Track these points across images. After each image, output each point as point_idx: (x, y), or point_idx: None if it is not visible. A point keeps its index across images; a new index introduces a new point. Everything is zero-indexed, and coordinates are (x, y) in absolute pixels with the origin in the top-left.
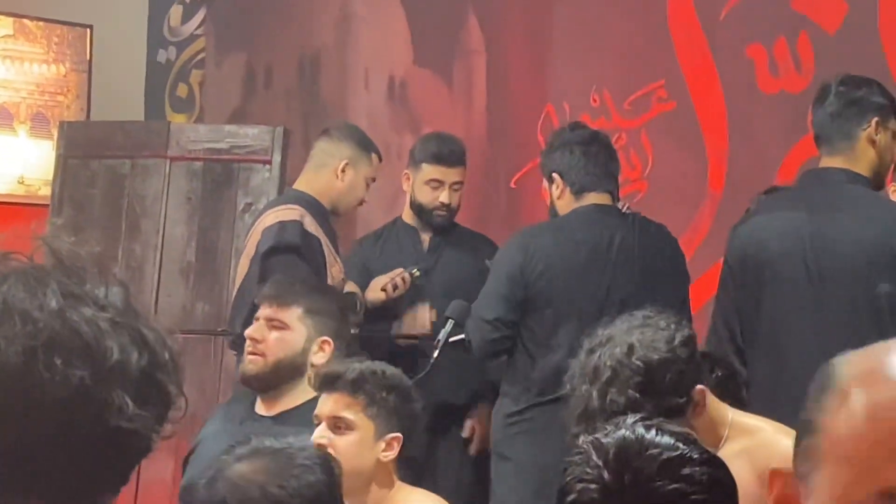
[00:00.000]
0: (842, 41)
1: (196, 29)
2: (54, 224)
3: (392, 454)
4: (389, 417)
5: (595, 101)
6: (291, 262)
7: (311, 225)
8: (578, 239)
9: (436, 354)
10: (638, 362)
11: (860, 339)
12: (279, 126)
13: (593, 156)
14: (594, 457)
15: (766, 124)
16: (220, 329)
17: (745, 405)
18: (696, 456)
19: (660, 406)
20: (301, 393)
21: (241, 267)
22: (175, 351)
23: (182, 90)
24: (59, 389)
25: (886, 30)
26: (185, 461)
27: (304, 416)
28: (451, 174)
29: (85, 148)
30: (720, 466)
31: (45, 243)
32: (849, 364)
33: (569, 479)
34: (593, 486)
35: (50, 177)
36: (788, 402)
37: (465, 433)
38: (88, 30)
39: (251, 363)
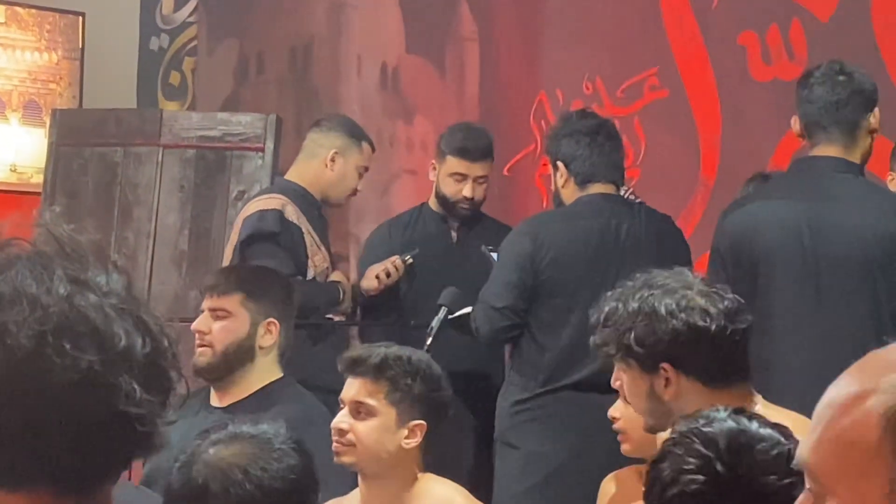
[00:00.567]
0: (834, 28)
1: (188, 16)
2: (52, 211)
3: (415, 442)
4: (413, 404)
5: (588, 88)
6: (269, 250)
7: (292, 214)
8: (587, 227)
9: (429, 342)
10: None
11: (857, 329)
12: (272, 114)
13: (599, 146)
14: (701, 448)
15: (758, 112)
16: None
17: None
18: None
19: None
20: (252, 381)
21: (227, 256)
22: (173, 338)
23: (174, 78)
24: (69, 374)
25: (879, 17)
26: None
27: (253, 406)
28: (475, 168)
29: (77, 136)
30: None
31: (46, 230)
32: None
33: (669, 469)
34: (701, 477)
35: (42, 164)
36: (784, 388)
37: None
38: (81, 17)
39: (201, 355)
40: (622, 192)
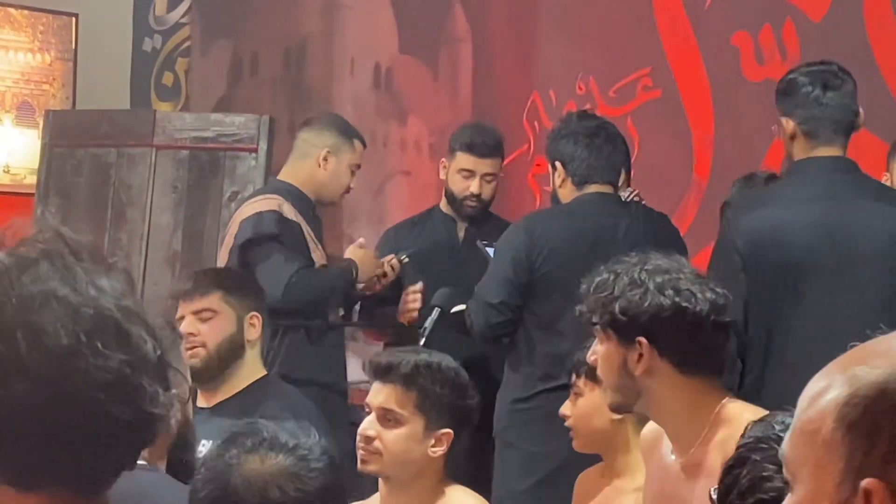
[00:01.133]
0: (827, 29)
1: (181, 17)
2: (50, 213)
3: (442, 450)
4: (441, 413)
5: (581, 88)
6: (269, 251)
7: (290, 212)
8: (584, 224)
9: (422, 343)
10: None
11: (889, 327)
12: (265, 114)
13: (597, 148)
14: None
15: (751, 112)
16: None
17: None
18: None
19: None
20: (240, 379)
21: (222, 258)
22: (170, 339)
23: (168, 79)
24: (103, 374)
25: (871, 17)
26: None
27: (242, 400)
28: (482, 165)
29: (70, 136)
30: None
31: (55, 231)
32: None
33: (748, 477)
34: (780, 484)
35: (35, 165)
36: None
37: None
38: (74, 18)
39: (193, 356)
40: (629, 194)
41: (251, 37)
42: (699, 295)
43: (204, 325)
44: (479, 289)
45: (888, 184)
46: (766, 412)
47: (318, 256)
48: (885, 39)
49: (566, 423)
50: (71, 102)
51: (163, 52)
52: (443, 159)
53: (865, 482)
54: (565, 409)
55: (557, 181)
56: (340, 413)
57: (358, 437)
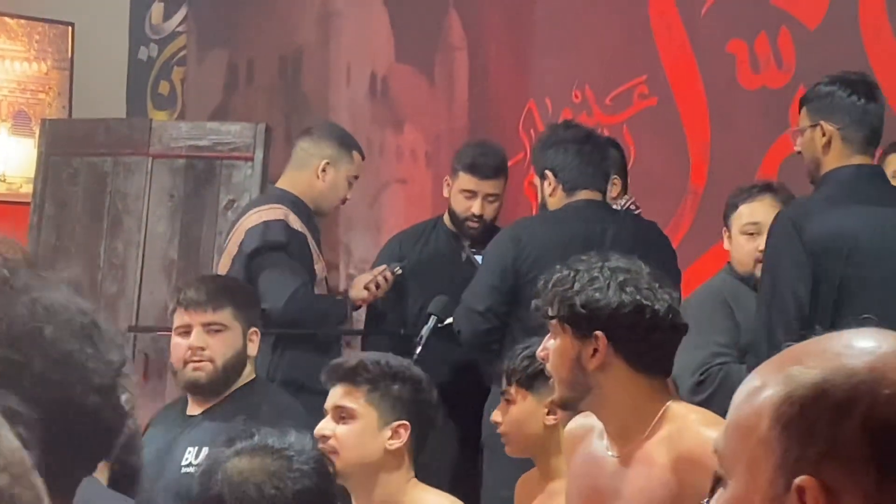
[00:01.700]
0: (822, 36)
1: (178, 26)
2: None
3: (399, 442)
4: (394, 404)
5: (577, 96)
6: (278, 261)
7: (295, 222)
8: (571, 230)
9: (418, 351)
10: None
11: None
12: (261, 123)
13: (587, 154)
14: None
15: (747, 120)
16: None
17: None
18: None
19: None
20: (232, 387)
21: (223, 265)
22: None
23: (164, 87)
24: (100, 379)
25: (867, 25)
26: None
27: (231, 405)
28: (484, 186)
29: (67, 145)
30: None
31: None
32: None
33: None
34: None
35: (32, 174)
36: None
37: None
38: (70, 27)
39: (198, 370)
40: (626, 201)
41: (247, 45)
42: (658, 295)
43: (214, 338)
44: (465, 296)
45: None
46: (714, 415)
47: (320, 267)
48: (881, 47)
49: (498, 430)
50: (67, 111)
51: (159, 61)
52: (446, 177)
53: (799, 479)
54: (496, 416)
55: (548, 190)
56: None
57: (316, 439)
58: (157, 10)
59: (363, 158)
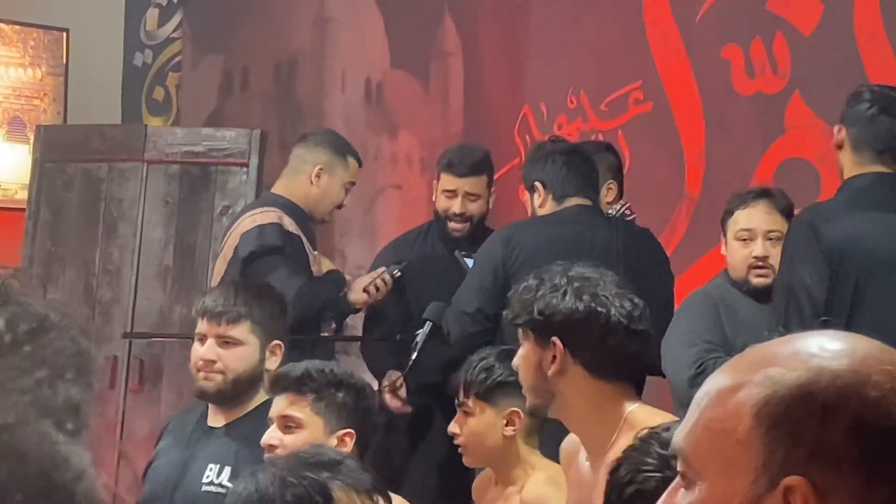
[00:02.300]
0: (817, 42)
1: (172, 32)
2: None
3: (345, 451)
4: (340, 413)
5: (572, 102)
6: (274, 264)
7: (290, 225)
8: (561, 234)
9: (414, 356)
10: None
11: None
12: (256, 129)
13: (575, 165)
14: (659, 449)
15: (742, 125)
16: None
17: None
18: None
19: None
20: (254, 400)
21: (218, 270)
22: None
23: (159, 93)
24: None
25: (862, 30)
26: (144, 473)
27: (252, 423)
28: (463, 183)
29: (61, 151)
30: None
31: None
32: None
33: (626, 471)
34: (659, 475)
35: (26, 181)
36: None
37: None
38: (64, 33)
39: (209, 380)
40: (620, 207)
41: (242, 51)
42: (615, 302)
43: (227, 351)
44: (455, 299)
45: None
46: (675, 418)
47: (315, 270)
48: (876, 52)
49: (455, 442)
50: (62, 117)
51: (154, 67)
52: (434, 181)
53: (789, 479)
54: (454, 428)
55: (538, 202)
56: None
57: (263, 448)
58: (151, 16)
59: (360, 165)
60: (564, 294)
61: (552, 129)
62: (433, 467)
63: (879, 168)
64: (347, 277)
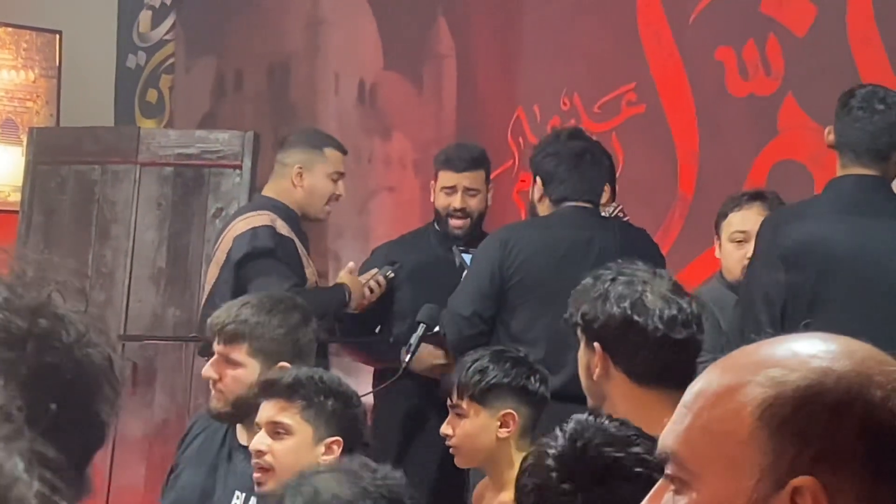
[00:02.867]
0: (811, 44)
1: (165, 34)
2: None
3: (332, 458)
4: (329, 421)
5: (565, 104)
6: (267, 267)
7: (283, 228)
8: (558, 235)
9: (408, 359)
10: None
11: None
12: (249, 131)
13: (580, 172)
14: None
15: (735, 127)
16: (190, 335)
17: None
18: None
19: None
20: None
21: (211, 274)
22: None
23: (152, 95)
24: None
25: (855, 32)
26: (167, 481)
27: None
28: (462, 179)
29: (54, 154)
30: None
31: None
32: None
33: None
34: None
35: (19, 183)
36: None
37: None
38: (57, 35)
39: (216, 399)
40: (614, 209)
41: (235, 53)
42: (656, 311)
43: (227, 371)
44: (451, 301)
45: None
46: None
47: (310, 272)
48: (869, 54)
49: (448, 443)
50: (55, 119)
51: (147, 69)
52: (431, 181)
53: (798, 480)
54: (446, 429)
55: (536, 195)
56: None
57: (251, 453)
58: (144, 18)
59: (344, 153)
60: (606, 299)
61: (545, 131)
62: (426, 469)
63: (858, 170)
64: (350, 284)
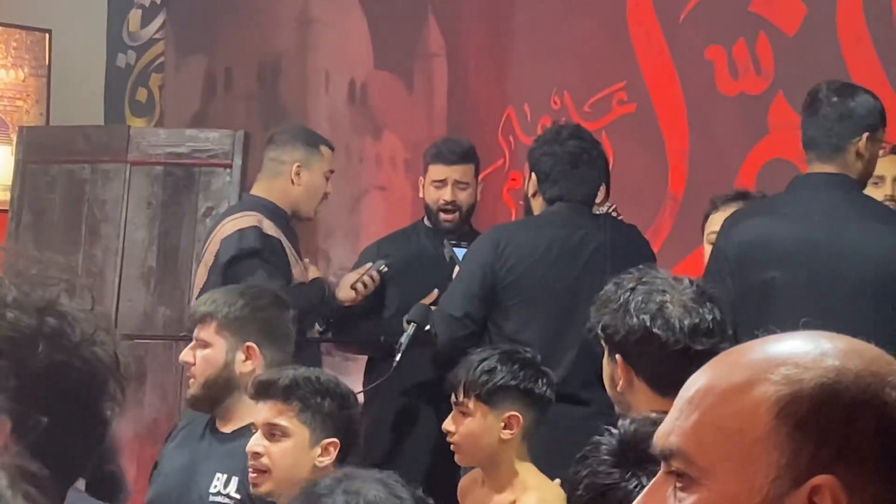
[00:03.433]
0: (801, 43)
1: (155, 33)
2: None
3: (328, 460)
4: (325, 423)
5: (556, 103)
6: (254, 268)
7: (270, 228)
8: (550, 235)
9: (398, 358)
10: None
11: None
12: (240, 130)
13: (575, 173)
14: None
15: (726, 126)
16: (181, 334)
17: None
18: None
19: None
20: (248, 408)
21: (199, 276)
22: None
23: (142, 94)
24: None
25: (845, 31)
26: (151, 475)
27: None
28: (452, 172)
29: (44, 153)
30: None
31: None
32: None
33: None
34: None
35: (9, 182)
36: None
37: None
38: (47, 34)
39: (190, 386)
40: (607, 208)
41: (225, 52)
42: (676, 323)
43: (198, 353)
44: (443, 301)
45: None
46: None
47: (298, 272)
48: (859, 53)
49: (449, 440)
50: (45, 118)
51: (137, 68)
52: (420, 177)
53: (818, 478)
54: (449, 425)
55: (531, 190)
56: None
57: (248, 455)
58: (134, 16)
59: (332, 150)
60: (626, 311)
61: (536, 130)
62: (418, 465)
63: (819, 167)
64: (332, 279)
